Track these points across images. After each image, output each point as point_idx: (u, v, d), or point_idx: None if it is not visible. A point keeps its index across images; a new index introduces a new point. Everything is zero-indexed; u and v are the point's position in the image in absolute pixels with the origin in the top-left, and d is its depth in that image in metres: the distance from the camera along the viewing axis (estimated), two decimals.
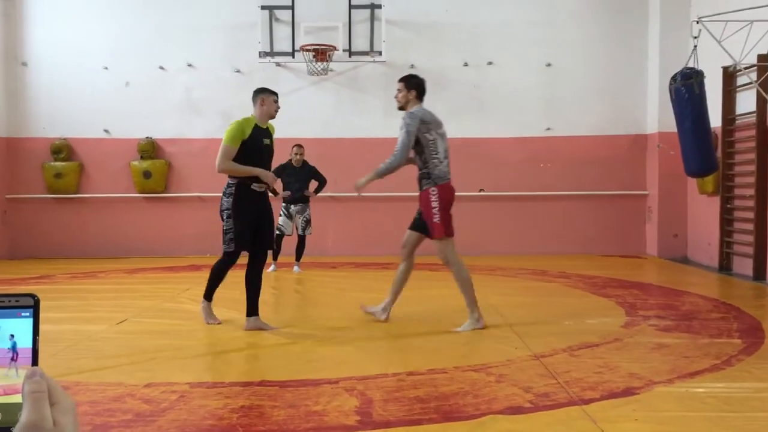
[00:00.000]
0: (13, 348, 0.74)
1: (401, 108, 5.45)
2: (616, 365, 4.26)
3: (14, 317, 0.75)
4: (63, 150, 11.08)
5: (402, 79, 5.52)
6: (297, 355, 4.63)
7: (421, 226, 5.57)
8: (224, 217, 5.38)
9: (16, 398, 0.71)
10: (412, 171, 11.32)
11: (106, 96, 11.09)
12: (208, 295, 5.67)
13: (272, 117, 5.71)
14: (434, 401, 3.57)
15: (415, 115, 5.28)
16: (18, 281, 8.33)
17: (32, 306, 0.75)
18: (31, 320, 0.75)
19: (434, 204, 5.36)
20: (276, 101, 5.69)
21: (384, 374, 4.06)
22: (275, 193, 5.50)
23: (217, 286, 5.66)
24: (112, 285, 7.89)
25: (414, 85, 5.48)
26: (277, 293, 7.41)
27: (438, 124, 5.42)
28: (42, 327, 2.98)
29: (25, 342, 0.75)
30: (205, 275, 6.25)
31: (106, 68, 11.10)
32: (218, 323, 5.57)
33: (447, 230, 5.38)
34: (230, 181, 5.47)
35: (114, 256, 10.82)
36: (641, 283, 7.91)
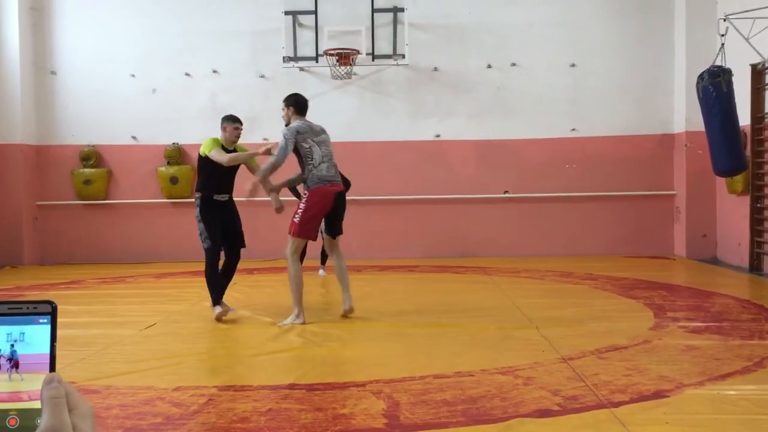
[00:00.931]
0: (13, 355, 0.74)
1: (287, 124, 6.04)
2: (646, 368, 4.21)
3: (32, 323, 0.76)
4: (92, 157, 11.24)
5: (283, 101, 6.19)
6: (323, 359, 4.64)
7: (326, 227, 6.23)
8: (197, 223, 6.18)
9: (34, 404, 0.72)
10: (436, 174, 11.31)
11: (133, 103, 11.24)
12: (216, 301, 6.07)
13: (234, 142, 6.39)
14: (461, 404, 3.56)
15: (291, 128, 5.90)
16: (48, 286, 8.46)
17: (50, 313, 0.76)
18: (48, 327, 0.76)
19: (302, 206, 5.90)
20: (237, 128, 6.36)
21: (411, 377, 4.05)
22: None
23: (218, 288, 6.10)
24: (140, 289, 7.98)
25: (291, 103, 6.10)
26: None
27: (315, 133, 5.98)
28: (72, 331, 3.05)
29: (42, 348, 0.75)
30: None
31: (133, 76, 11.24)
32: (233, 310, 6.17)
33: (303, 232, 5.87)
34: (197, 194, 6.27)
35: (142, 260, 10.95)
36: (670, 285, 7.82)
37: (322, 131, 6.11)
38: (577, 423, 3.29)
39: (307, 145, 5.90)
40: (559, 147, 11.12)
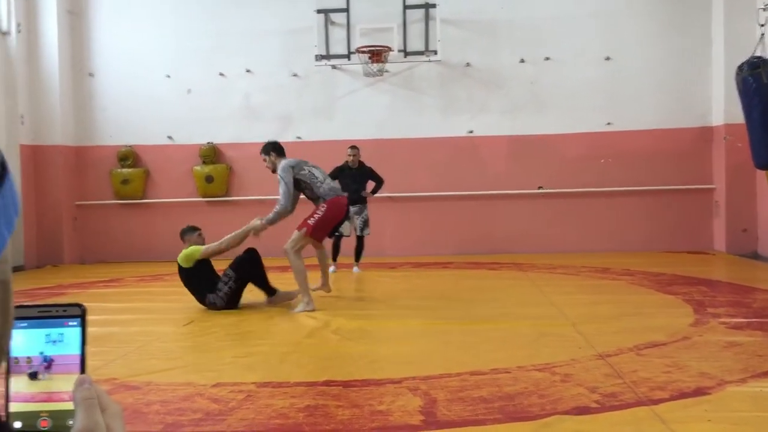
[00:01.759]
0: (46, 357, 0.76)
1: (275, 170, 6.48)
2: (686, 364, 4.15)
3: (61, 326, 0.77)
4: (129, 157, 11.44)
5: (261, 152, 6.60)
6: (360, 356, 4.66)
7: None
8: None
9: (66, 405, 0.74)
10: (469, 170, 11.28)
11: (168, 103, 11.41)
12: (270, 291, 6.50)
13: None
14: (498, 401, 3.55)
15: (285, 167, 6.38)
16: (88, 285, 8.64)
17: (80, 315, 0.78)
18: (79, 329, 0.78)
19: (319, 213, 6.41)
20: (200, 235, 6.71)
21: (447, 374, 4.06)
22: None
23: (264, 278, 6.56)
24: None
25: (271, 149, 6.55)
26: (336, 294, 7.48)
27: (305, 162, 6.54)
28: (112, 329, 3.12)
29: (72, 349, 0.77)
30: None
31: (168, 77, 11.41)
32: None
33: (314, 232, 6.41)
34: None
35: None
36: (709, 280, 7.69)
37: (306, 160, 6.65)
38: (616, 420, 3.26)
39: (305, 171, 6.45)
40: (594, 141, 11.00)
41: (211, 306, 6.39)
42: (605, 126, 10.99)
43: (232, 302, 6.44)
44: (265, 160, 6.56)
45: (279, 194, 6.33)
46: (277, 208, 6.35)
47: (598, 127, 10.99)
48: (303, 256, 6.43)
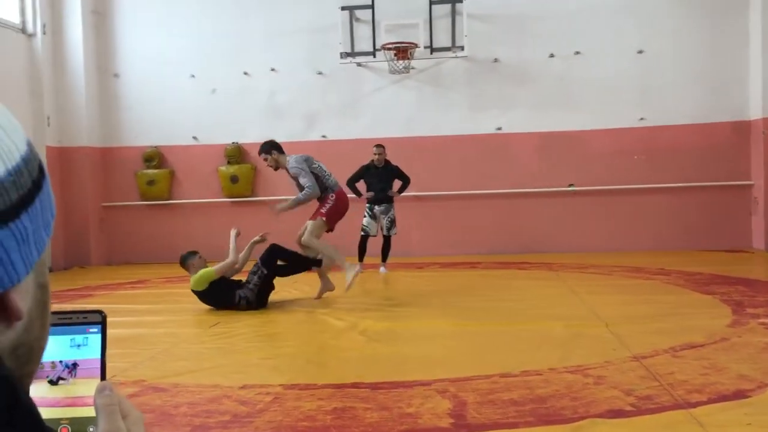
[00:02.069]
0: (67, 365, 0.77)
1: (278, 168, 6.89)
2: (724, 366, 4.09)
3: (83, 333, 0.78)
4: (155, 158, 11.58)
5: (260, 152, 6.92)
6: (387, 357, 4.67)
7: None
8: None
9: (86, 411, 0.75)
10: (498, 168, 11.20)
11: (193, 103, 11.52)
12: (312, 263, 6.80)
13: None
14: (530, 404, 3.53)
15: (298, 159, 6.73)
16: (115, 286, 8.76)
17: (100, 322, 0.79)
18: (99, 336, 0.79)
19: (329, 203, 6.82)
20: (200, 257, 6.74)
21: (477, 376, 4.04)
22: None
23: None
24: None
25: (271, 147, 6.85)
26: (363, 295, 7.49)
27: (311, 157, 6.96)
28: (140, 330, 3.15)
29: (93, 354, 0.78)
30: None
31: (193, 76, 11.53)
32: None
33: (329, 220, 6.84)
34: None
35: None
36: (748, 279, 7.56)
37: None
38: (652, 424, 3.22)
39: (316, 165, 6.86)
40: (627, 137, 10.88)
41: (243, 302, 6.46)
42: (638, 121, 10.87)
43: (262, 296, 6.56)
44: (266, 160, 6.80)
45: (303, 183, 6.64)
46: (306, 191, 6.62)
47: (631, 122, 10.87)
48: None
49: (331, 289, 7.00)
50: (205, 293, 6.48)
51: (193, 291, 6.53)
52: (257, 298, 6.53)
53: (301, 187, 6.80)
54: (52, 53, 11.18)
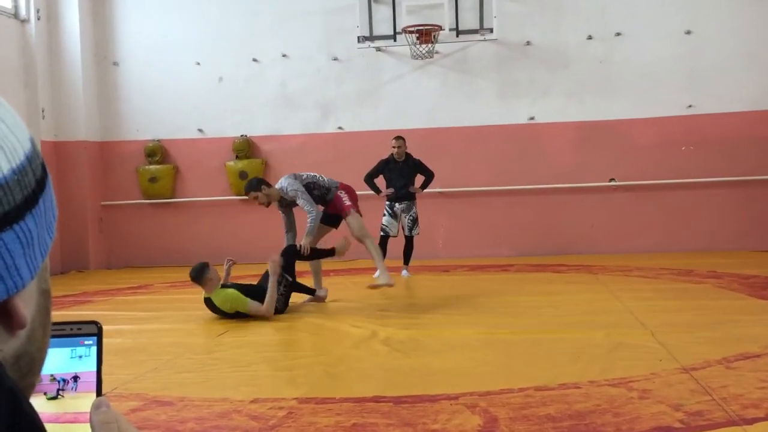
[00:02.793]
0: (63, 379, 0.77)
1: (270, 203, 7.00)
2: None
3: (77, 345, 0.78)
4: (157, 152, 11.68)
5: (248, 191, 6.97)
6: (411, 369, 4.66)
7: (327, 219, 7.23)
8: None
9: (81, 428, 0.75)
10: (531, 161, 11.14)
11: (198, 93, 11.60)
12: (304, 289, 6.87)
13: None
14: (568, 420, 3.51)
15: (290, 183, 6.89)
16: (115, 291, 8.84)
17: (95, 334, 0.79)
18: (94, 348, 0.79)
19: (343, 196, 7.10)
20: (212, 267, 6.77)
21: (509, 389, 4.02)
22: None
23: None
24: None
25: (258, 184, 6.94)
26: (385, 301, 7.49)
27: (300, 174, 7.14)
28: (143, 339, 3.17)
29: (89, 367, 0.78)
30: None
31: (198, 64, 11.61)
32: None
33: (357, 208, 7.15)
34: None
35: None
36: None
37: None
38: None
39: (304, 176, 7.07)
40: (674, 127, 10.79)
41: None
42: (686, 109, 10.77)
43: (286, 302, 6.72)
44: (256, 198, 6.87)
45: (302, 205, 6.83)
46: (311, 216, 6.82)
47: (678, 110, 10.77)
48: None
49: (323, 295, 7.26)
50: (228, 315, 6.50)
51: (211, 304, 6.49)
52: (283, 307, 6.68)
53: (290, 206, 7.06)
54: (47, 40, 11.31)
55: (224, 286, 6.56)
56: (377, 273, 7.49)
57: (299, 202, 6.85)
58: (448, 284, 8.47)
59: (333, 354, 5.19)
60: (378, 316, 6.44)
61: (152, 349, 5.39)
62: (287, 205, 7.09)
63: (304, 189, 6.89)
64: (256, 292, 6.57)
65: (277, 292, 6.53)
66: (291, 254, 6.80)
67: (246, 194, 7.05)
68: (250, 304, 6.40)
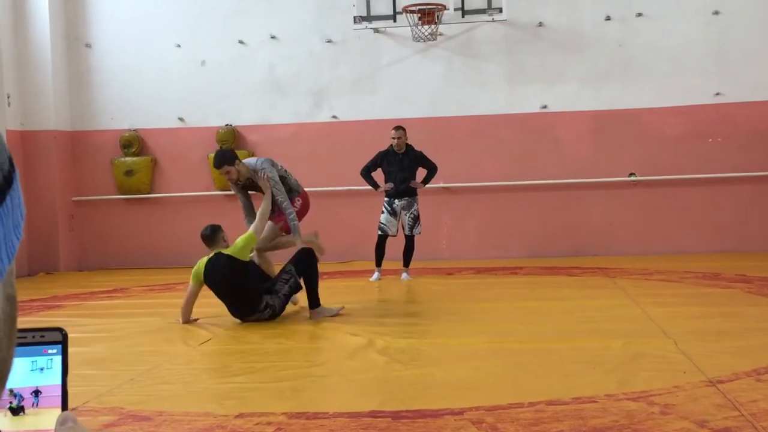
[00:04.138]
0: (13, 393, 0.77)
1: (237, 181, 6.92)
2: None
3: (39, 354, 0.78)
4: (134, 143, 11.68)
5: (222, 165, 6.83)
6: (411, 381, 4.67)
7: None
8: None
9: None
10: (543, 154, 11.14)
11: (179, 78, 11.60)
12: (314, 302, 6.68)
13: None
14: None
15: (268, 167, 6.85)
16: (87, 296, 8.84)
17: (60, 342, 0.79)
18: (59, 357, 0.78)
19: (296, 205, 7.04)
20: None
21: (519, 403, 4.03)
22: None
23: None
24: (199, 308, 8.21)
25: (233, 157, 6.85)
26: (382, 306, 7.50)
27: (276, 162, 7.13)
28: (118, 350, 3.18)
29: (53, 380, 0.78)
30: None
31: (179, 46, 11.60)
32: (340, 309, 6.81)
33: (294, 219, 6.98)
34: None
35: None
36: None
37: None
38: None
39: (279, 166, 7.05)
40: (700, 116, 10.80)
41: (268, 311, 6.50)
42: (713, 97, 10.78)
43: (283, 306, 6.67)
44: (228, 173, 6.79)
45: (277, 198, 6.75)
46: (290, 213, 6.78)
47: (704, 98, 10.78)
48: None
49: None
50: (243, 279, 6.47)
51: (223, 276, 6.46)
52: (280, 309, 6.62)
53: (250, 189, 7.06)
54: (12, 20, 11.29)
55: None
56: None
57: (273, 192, 6.74)
58: (452, 288, 8.48)
59: (326, 364, 5.19)
60: (375, 323, 6.44)
61: (128, 358, 5.39)
62: (247, 187, 7.04)
63: (277, 177, 6.84)
64: (270, 290, 6.60)
65: (284, 288, 6.54)
66: (306, 257, 6.70)
67: (218, 167, 6.90)
68: (254, 231, 6.55)
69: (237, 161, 6.81)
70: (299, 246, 6.73)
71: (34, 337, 0.78)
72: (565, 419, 3.78)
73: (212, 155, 11.45)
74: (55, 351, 0.78)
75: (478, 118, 11.18)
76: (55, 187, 11.55)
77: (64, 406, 0.77)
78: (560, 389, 4.28)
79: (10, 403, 0.76)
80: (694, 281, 8.24)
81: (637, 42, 10.93)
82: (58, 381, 0.78)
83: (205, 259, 6.54)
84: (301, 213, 7.16)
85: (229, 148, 7.12)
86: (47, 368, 0.78)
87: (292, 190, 7.09)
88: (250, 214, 7.05)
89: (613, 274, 8.99)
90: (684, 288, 7.87)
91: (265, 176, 6.72)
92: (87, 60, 11.85)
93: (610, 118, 11.00)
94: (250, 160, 7.00)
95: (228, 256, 6.40)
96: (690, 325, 5.87)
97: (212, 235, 6.54)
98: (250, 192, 7.16)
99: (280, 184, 6.80)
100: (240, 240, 6.50)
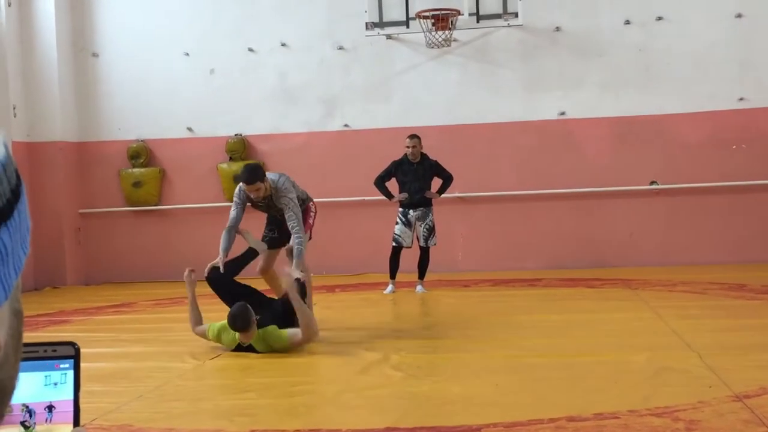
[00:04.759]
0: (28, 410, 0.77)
1: (264, 199, 6.61)
2: None
3: (52, 369, 0.78)
4: (142, 154, 11.73)
5: (252, 182, 6.46)
6: (427, 396, 4.66)
7: (274, 242, 7.05)
8: None
9: None
10: (561, 162, 11.09)
11: (188, 87, 11.65)
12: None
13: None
14: None
15: (287, 187, 6.57)
16: (95, 311, 8.88)
17: (72, 356, 0.79)
18: (71, 372, 0.78)
19: (312, 215, 7.01)
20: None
21: (538, 420, 4.02)
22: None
23: None
24: (202, 313, 8.22)
25: (262, 173, 6.56)
26: (397, 320, 7.49)
27: (292, 180, 6.87)
28: (125, 364, 3.19)
29: (65, 395, 0.78)
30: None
31: (187, 54, 11.66)
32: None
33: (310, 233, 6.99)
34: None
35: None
36: None
37: None
38: None
39: (295, 186, 6.79)
40: (723, 123, 10.76)
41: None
42: (737, 102, 10.73)
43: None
44: (259, 189, 6.42)
45: (291, 222, 6.40)
46: (301, 236, 6.40)
47: (728, 104, 10.74)
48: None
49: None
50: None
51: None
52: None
53: (268, 208, 6.78)
54: (19, 30, 11.38)
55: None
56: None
57: (289, 215, 6.40)
58: (469, 301, 8.46)
59: (339, 380, 5.19)
60: (390, 337, 6.44)
61: (136, 374, 5.41)
62: (263, 204, 6.69)
63: (294, 196, 6.54)
64: (261, 303, 6.29)
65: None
66: (240, 263, 6.60)
67: (250, 183, 6.40)
68: (289, 337, 5.88)
69: (265, 178, 6.50)
70: (296, 275, 6.20)
71: (46, 351, 0.79)
72: None
73: (222, 165, 11.55)
74: (67, 366, 0.79)
75: (495, 126, 11.17)
76: (62, 199, 11.60)
77: (76, 422, 0.77)
78: (581, 405, 4.26)
79: (23, 420, 0.76)
80: (719, 293, 8.19)
81: (658, 46, 10.90)
82: (71, 396, 0.78)
83: (233, 339, 5.98)
84: (315, 219, 7.13)
85: (256, 162, 6.80)
86: (60, 383, 0.78)
87: (305, 201, 6.92)
88: (233, 228, 6.63)
89: (635, 285, 8.95)
90: (709, 300, 7.82)
91: (293, 282, 6.08)
92: (94, 70, 11.93)
93: (630, 125, 10.97)
94: (270, 176, 6.66)
95: (255, 348, 5.91)
96: (715, 338, 5.84)
97: (244, 324, 5.81)
98: (256, 207, 6.89)
99: (298, 207, 6.50)
100: (275, 342, 5.89)
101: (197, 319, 6.44)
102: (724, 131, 10.77)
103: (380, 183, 9.03)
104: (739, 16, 10.73)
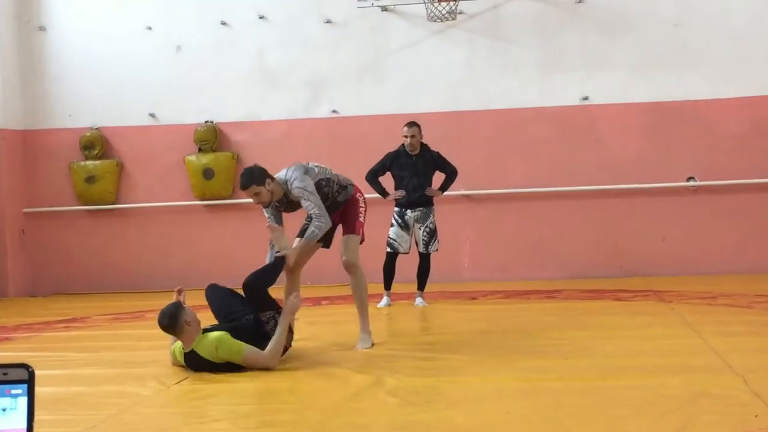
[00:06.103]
0: None
1: (269, 204, 6.68)
2: None
3: (2, 395, 0.78)
4: (96, 144, 11.71)
5: (249, 185, 6.52)
6: (427, 426, 4.66)
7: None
8: None
9: None
10: (584, 155, 11.11)
11: (150, 67, 11.63)
12: None
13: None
14: None
15: (300, 177, 6.59)
16: (41, 326, 8.84)
17: (26, 381, 0.78)
18: (24, 399, 0.78)
19: (362, 207, 7.08)
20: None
21: None
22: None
23: None
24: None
25: (264, 176, 6.53)
26: (392, 337, 7.48)
27: (310, 167, 6.86)
28: (77, 388, 3.18)
29: (17, 424, 0.77)
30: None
31: (150, 29, 11.64)
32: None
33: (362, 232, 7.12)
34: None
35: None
36: None
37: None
38: None
39: (316, 169, 6.82)
40: None
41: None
42: None
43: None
44: (258, 194, 6.50)
45: (312, 208, 6.53)
46: (319, 222, 6.52)
47: None
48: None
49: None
50: (226, 365, 6.09)
51: (194, 359, 6.08)
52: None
53: (286, 209, 6.80)
54: None
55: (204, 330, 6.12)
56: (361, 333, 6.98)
57: (307, 205, 6.53)
58: (476, 316, 8.46)
59: (325, 407, 5.18)
60: (385, 357, 6.42)
61: (90, 401, 5.38)
62: (282, 205, 6.76)
63: (313, 188, 6.60)
64: (244, 330, 6.27)
65: (271, 322, 6.19)
66: (275, 271, 6.57)
67: (244, 189, 6.55)
68: (247, 352, 5.97)
69: (268, 180, 6.51)
70: (288, 251, 6.52)
71: None
72: None
73: (190, 158, 11.53)
74: (20, 391, 0.78)
75: (506, 113, 11.17)
76: (3, 196, 11.57)
77: None
78: None
79: None
80: (766, 306, 8.20)
81: (695, 21, 10.92)
82: (23, 425, 0.78)
83: (179, 349, 6.15)
84: (366, 212, 7.14)
85: (256, 165, 6.60)
86: (11, 409, 0.78)
87: (347, 187, 6.94)
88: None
89: (669, 298, 8.96)
90: (754, 315, 7.83)
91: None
92: (41, 46, 11.90)
93: (663, 112, 10.97)
94: (279, 175, 6.67)
95: (200, 354, 6.01)
96: (762, 360, 5.84)
97: (171, 323, 5.99)
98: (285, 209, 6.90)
99: (315, 195, 6.56)
100: (215, 345, 5.95)
101: None
102: None
103: (373, 178, 9.01)
104: None
